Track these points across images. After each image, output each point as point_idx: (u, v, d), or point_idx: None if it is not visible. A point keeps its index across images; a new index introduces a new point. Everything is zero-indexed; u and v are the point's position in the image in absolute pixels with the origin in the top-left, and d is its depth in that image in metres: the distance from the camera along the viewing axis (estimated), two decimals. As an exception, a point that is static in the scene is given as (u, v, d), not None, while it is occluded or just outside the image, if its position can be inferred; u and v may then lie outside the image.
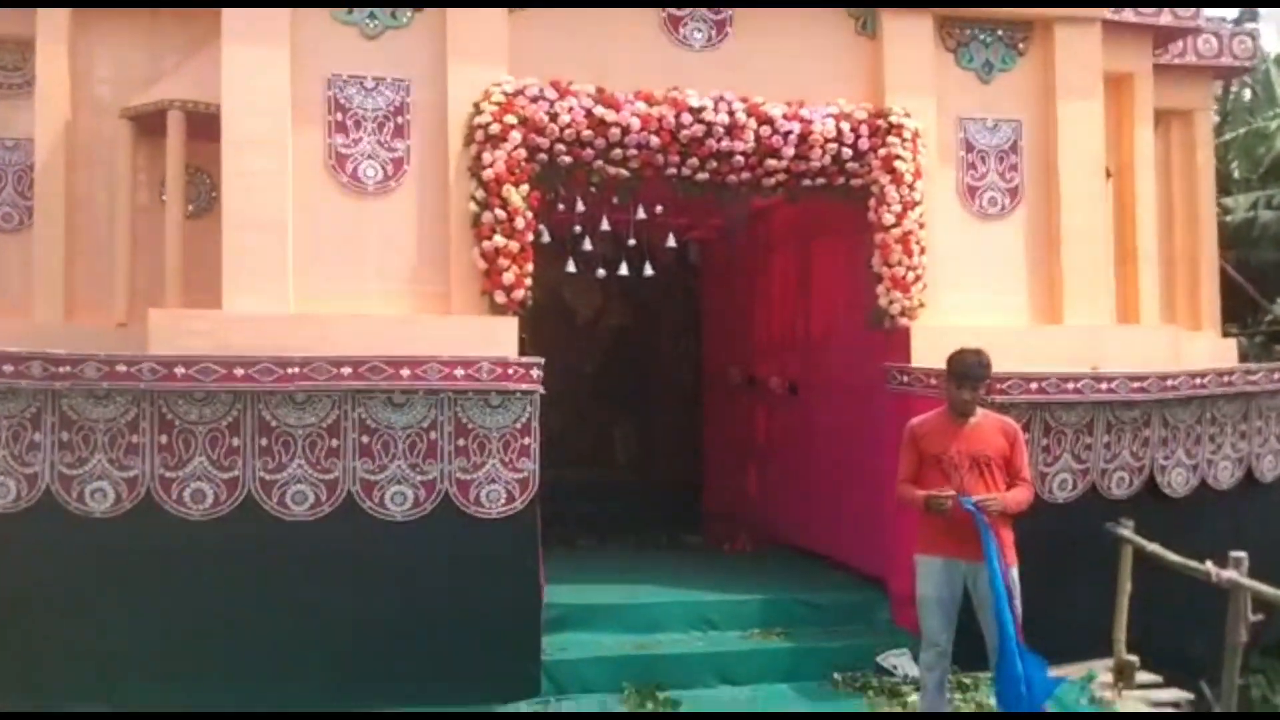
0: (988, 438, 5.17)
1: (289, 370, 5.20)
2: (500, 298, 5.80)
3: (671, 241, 6.56)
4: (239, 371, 5.18)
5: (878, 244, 6.47)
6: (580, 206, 6.21)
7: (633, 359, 11.20)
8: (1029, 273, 6.85)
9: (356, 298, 5.80)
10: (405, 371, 5.29)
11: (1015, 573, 5.07)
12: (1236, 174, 12.07)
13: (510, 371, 5.41)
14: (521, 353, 5.64)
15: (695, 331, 10.62)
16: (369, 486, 5.39)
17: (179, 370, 5.20)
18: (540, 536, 5.67)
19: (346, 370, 5.25)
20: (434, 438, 5.42)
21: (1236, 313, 11.01)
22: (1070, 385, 6.23)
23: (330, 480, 5.35)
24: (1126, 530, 6.05)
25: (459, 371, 5.34)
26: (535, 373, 5.47)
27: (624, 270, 6.57)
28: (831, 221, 7.16)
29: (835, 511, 7.20)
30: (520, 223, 5.85)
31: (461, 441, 5.45)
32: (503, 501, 5.50)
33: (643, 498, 10.79)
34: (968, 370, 5.06)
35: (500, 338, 5.64)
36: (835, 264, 7.24)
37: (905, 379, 6.35)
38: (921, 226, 6.48)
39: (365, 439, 5.37)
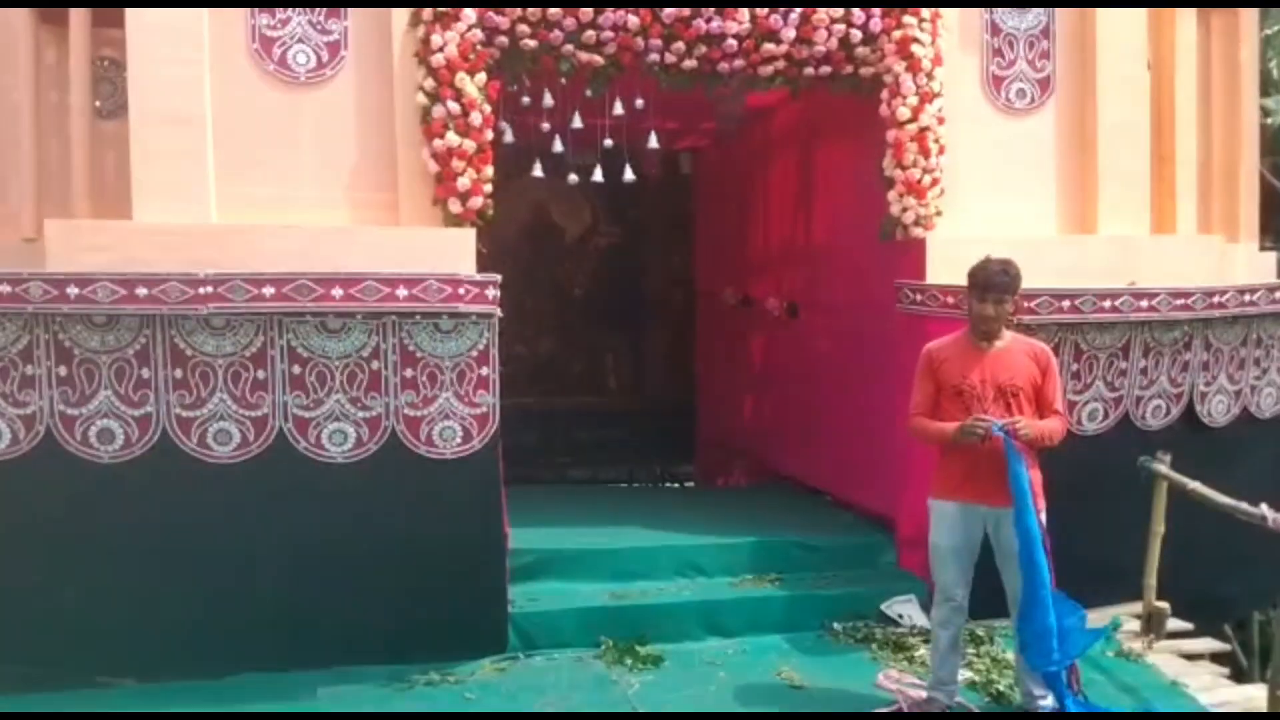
0: (1016, 364, 4.42)
1: (200, 290, 4.38)
2: (455, 206, 4.95)
3: (654, 141, 5.65)
4: (141, 291, 4.36)
5: (890, 143, 5.58)
6: (549, 101, 5.32)
7: (624, 279, 10.52)
8: (1060, 176, 5.97)
9: (288, 206, 4.95)
10: (338, 291, 4.47)
11: (1044, 518, 4.36)
12: (1276, 74, 11.03)
13: (461, 291, 4.57)
14: (480, 270, 4.81)
15: (690, 249, 9.79)
16: (303, 424, 4.62)
17: (71, 290, 4.38)
18: (502, 477, 4.91)
19: (268, 290, 4.42)
20: (376, 368, 4.62)
21: (1271, 224, 10.09)
22: (1107, 303, 5.41)
23: (258, 417, 4.58)
24: (1163, 466, 5.32)
25: (401, 291, 4.51)
26: (491, 292, 4.64)
27: (599, 175, 5.68)
28: (837, 120, 6.26)
29: (838, 445, 6.45)
30: (477, 118, 4.97)
31: (409, 372, 4.65)
32: (458, 440, 4.72)
33: (636, 426, 10.38)
34: (991, 280, 4.30)
35: (454, 252, 4.80)
36: (841, 169, 6.36)
37: (919, 298, 5.53)
38: (940, 122, 5.58)
39: (296, 370, 4.58)
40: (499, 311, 4.67)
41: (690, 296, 9.71)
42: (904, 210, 5.59)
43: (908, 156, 5.54)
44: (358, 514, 4.66)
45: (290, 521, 4.62)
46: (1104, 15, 5.92)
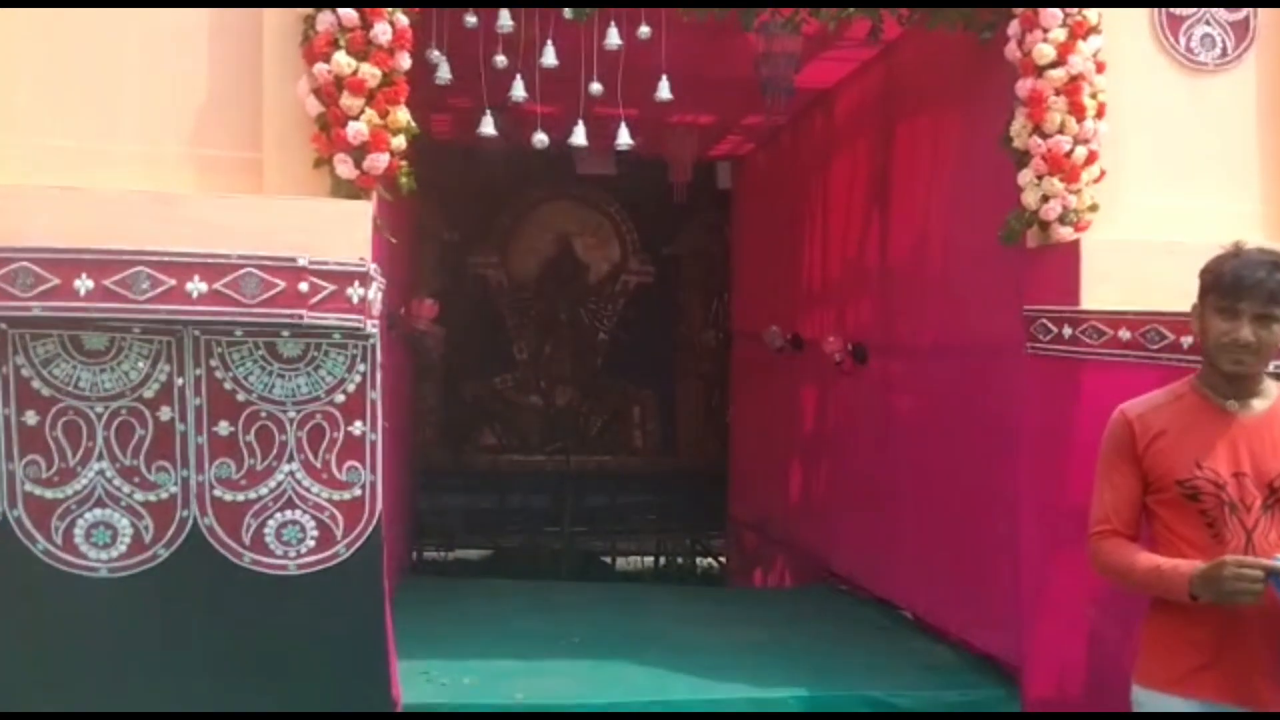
0: (1294, 441, 2.21)
1: None
2: (345, 168, 2.90)
3: (664, 91, 3.51)
4: None
5: (1023, 98, 3.42)
6: (506, 21, 3.27)
7: (657, 323, 8.47)
8: (1268, 158, 3.74)
9: (100, 165, 2.94)
10: (85, 283, 2.40)
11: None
12: None
13: (303, 287, 2.46)
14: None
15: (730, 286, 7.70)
16: (42, 510, 2.54)
17: None
18: (387, 603, 2.76)
19: (-39, 276, 2.38)
20: (167, 419, 2.54)
21: None
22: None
23: (-38, 497, 2.52)
24: None
25: (195, 285, 2.42)
26: (357, 291, 2.52)
27: (580, 137, 3.53)
28: (935, 82, 4.12)
29: (925, 545, 4.19)
30: (384, 32, 2.95)
31: (224, 427, 2.56)
32: (310, 544, 2.60)
33: (666, 491, 8.31)
34: (1250, 279, 2.16)
35: (337, 234, 2.72)
36: (938, 153, 4.18)
37: (1068, 332, 3.32)
38: (1100, 70, 3.42)
39: (32, 418, 2.51)
40: (373, 328, 2.55)
41: (729, 341, 7.58)
42: (1043, 200, 3.40)
43: (1051, 118, 3.36)
44: (132, 664, 2.54)
45: (14, 668, 2.51)
46: (1331, -68, 3.74)
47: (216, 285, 2.40)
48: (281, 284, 2.41)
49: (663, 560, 8.60)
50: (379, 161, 2.92)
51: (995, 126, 3.55)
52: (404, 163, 3.00)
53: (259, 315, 2.41)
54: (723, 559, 8.33)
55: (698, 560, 8.68)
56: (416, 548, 7.48)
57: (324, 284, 2.44)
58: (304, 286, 2.42)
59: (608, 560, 8.80)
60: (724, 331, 7.47)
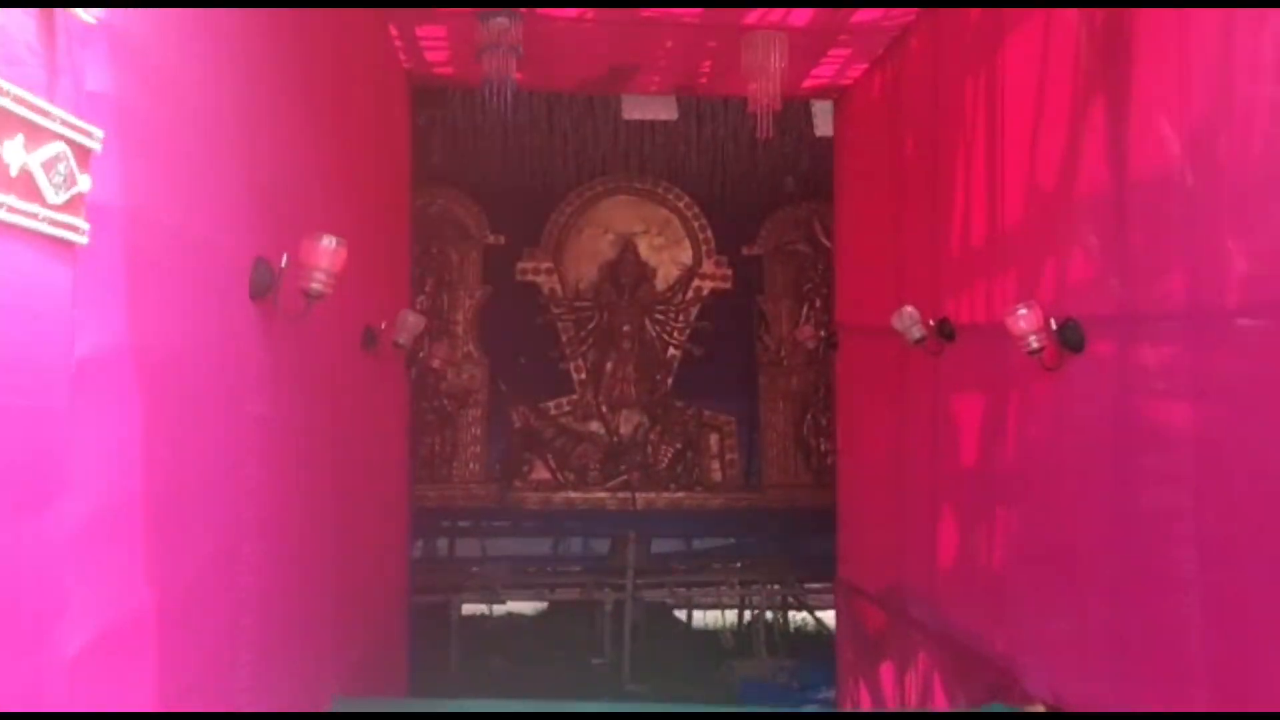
0: None
1: None
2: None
3: None
4: None
5: None
6: None
7: (735, 335, 6.96)
8: None
9: None
10: None
11: None
12: None
13: None
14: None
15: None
16: None
17: None
18: None
19: None
20: None
21: None
22: None
23: None
24: None
25: None
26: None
27: None
28: None
29: (1236, 657, 2.16)
30: None
31: None
32: None
33: (748, 534, 6.90)
34: None
35: None
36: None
37: None
38: None
39: None
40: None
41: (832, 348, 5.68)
42: None
43: None
44: None
45: None
46: None
47: None
48: None
49: (748, 615, 6.86)
50: None
51: None
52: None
53: None
54: (819, 614, 6.62)
55: (790, 615, 6.93)
56: (455, 601, 6.02)
57: None
58: None
59: (681, 616, 7.14)
60: (827, 329, 5.54)
